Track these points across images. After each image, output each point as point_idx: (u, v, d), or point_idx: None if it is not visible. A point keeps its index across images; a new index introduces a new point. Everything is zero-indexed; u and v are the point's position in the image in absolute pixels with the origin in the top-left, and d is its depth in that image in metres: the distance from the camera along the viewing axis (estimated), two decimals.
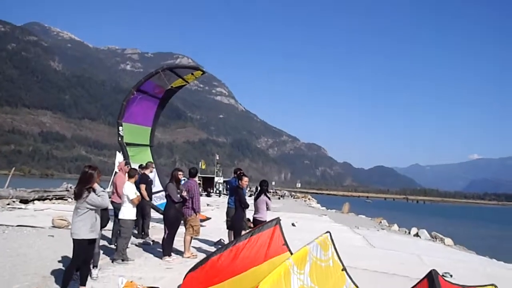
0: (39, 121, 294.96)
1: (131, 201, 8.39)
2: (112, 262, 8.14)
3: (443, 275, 5.01)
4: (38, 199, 21.37)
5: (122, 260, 8.22)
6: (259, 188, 10.14)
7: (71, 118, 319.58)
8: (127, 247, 8.58)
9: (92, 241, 6.03)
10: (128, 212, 8.42)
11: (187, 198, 9.01)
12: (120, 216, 8.45)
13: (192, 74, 15.66)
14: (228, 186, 10.42)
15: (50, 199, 22.06)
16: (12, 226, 12.06)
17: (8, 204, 18.50)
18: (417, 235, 19.32)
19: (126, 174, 10.18)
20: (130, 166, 12.38)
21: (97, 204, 5.89)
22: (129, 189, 8.45)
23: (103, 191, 5.98)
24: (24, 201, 20.05)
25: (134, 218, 8.71)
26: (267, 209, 9.53)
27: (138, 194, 8.72)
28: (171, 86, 15.81)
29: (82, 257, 5.91)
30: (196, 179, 9.91)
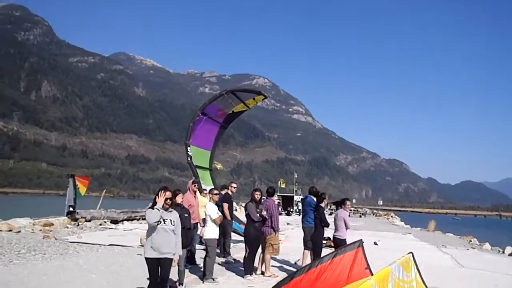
0: (125, 145, 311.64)
1: (214, 221, 8.60)
2: (203, 282, 8.34)
3: None
4: (127, 219, 22.58)
5: (213, 280, 8.40)
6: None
7: (154, 141, 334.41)
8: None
9: (163, 260, 6.10)
10: (212, 232, 8.60)
11: (267, 217, 9.12)
12: (205, 236, 8.66)
13: (254, 99, 15.81)
14: (302, 205, 10.40)
15: (138, 219, 23.19)
16: (105, 245, 12.84)
17: (100, 224, 19.74)
18: None
19: (196, 194, 10.44)
20: (200, 185, 12.75)
21: (146, 219, 6.22)
22: (211, 209, 8.67)
23: (156, 209, 6.11)
24: (114, 221, 21.25)
25: (217, 237, 8.89)
26: (346, 227, 9.39)
27: (220, 214, 8.92)
28: (232, 111, 16.08)
29: (154, 275, 6.07)
30: (275, 198, 10.01)
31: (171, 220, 6.21)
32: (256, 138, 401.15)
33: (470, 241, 24.08)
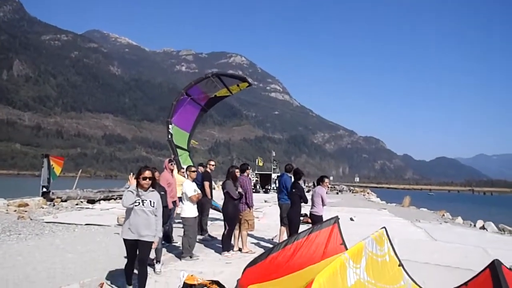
0: (102, 125, 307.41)
1: (190, 199, 8.57)
2: (180, 259, 8.35)
3: (510, 268, 4.83)
4: (104, 199, 22.46)
5: (191, 257, 8.40)
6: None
7: (131, 121, 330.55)
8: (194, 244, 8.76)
9: (141, 242, 5.85)
10: (189, 210, 8.54)
11: (243, 194, 9.19)
12: (182, 214, 8.61)
13: (238, 85, 15.79)
14: (278, 182, 10.48)
15: (115, 199, 23.08)
16: (81, 225, 12.77)
17: (77, 204, 19.58)
18: (483, 227, 18.46)
19: (174, 172, 10.36)
20: (178, 164, 12.72)
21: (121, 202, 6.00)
22: (188, 187, 8.61)
23: (127, 189, 5.94)
24: (91, 201, 21.12)
25: (196, 215, 8.77)
26: (323, 204, 9.54)
27: (199, 191, 8.90)
28: (215, 95, 16.03)
29: (132, 256, 5.89)
30: (249, 175, 10.10)
31: (150, 201, 5.89)
32: (233, 117, 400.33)
33: (443, 215, 24.69)
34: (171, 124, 14.30)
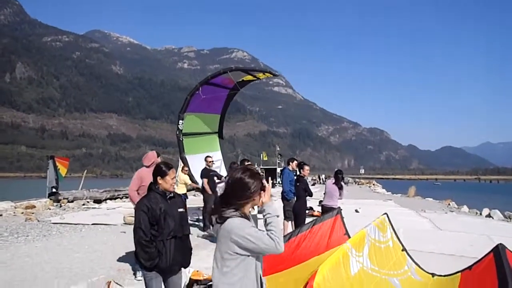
0: (106, 124, 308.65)
1: None
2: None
3: None
4: (110, 199, 22.59)
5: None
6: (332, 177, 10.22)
7: (135, 119, 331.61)
8: None
9: None
10: None
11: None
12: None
13: (264, 73, 15.71)
14: (282, 176, 10.38)
15: (121, 198, 23.20)
16: (88, 224, 12.86)
17: (83, 205, 19.69)
18: (489, 215, 18.44)
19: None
20: (185, 161, 12.75)
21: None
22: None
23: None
24: (97, 201, 21.26)
25: None
26: (340, 197, 9.61)
27: None
28: (242, 79, 15.86)
29: None
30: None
31: None
32: (237, 112, 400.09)
33: (449, 204, 24.65)
34: (182, 119, 14.12)
